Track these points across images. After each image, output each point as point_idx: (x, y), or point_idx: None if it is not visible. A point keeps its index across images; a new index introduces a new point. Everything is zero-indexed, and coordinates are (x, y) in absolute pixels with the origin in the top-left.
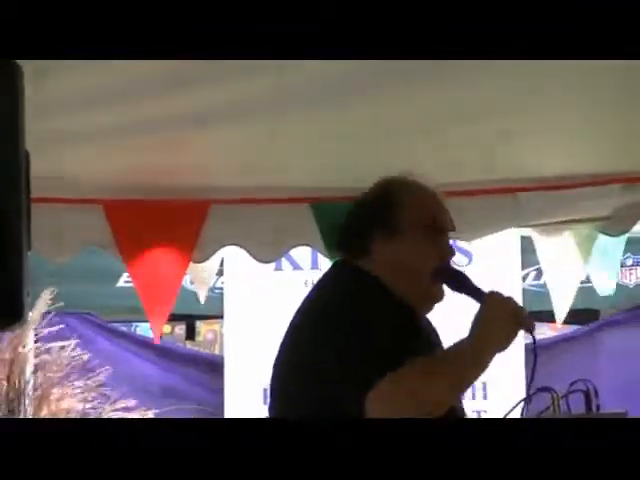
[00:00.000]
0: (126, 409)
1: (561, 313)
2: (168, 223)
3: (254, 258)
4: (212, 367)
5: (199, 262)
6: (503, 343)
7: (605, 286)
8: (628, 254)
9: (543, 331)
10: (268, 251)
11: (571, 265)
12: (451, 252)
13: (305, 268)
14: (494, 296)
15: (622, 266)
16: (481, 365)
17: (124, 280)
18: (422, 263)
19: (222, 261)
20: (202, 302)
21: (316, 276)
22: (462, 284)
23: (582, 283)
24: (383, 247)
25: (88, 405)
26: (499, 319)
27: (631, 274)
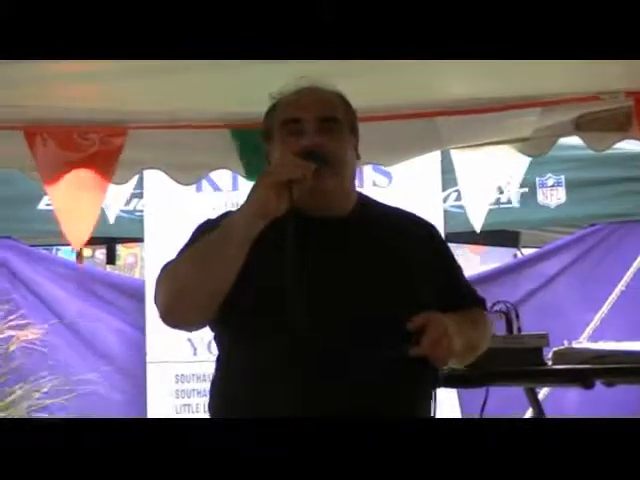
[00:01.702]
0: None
1: (476, 227)
2: (88, 148)
3: (174, 181)
4: (132, 292)
5: (119, 184)
6: (255, 201)
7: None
8: (549, 174)
9: (464, 252)
10: (188, 174)
11: (487, 184)
12: (312, 142)
13: (225, 190)
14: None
15: (543, 186)
16: (234, 231)
17: (45, 203)
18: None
19: (142, 183)
20: (111, 221)
21: (236, 198)
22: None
23: (502, 204)
24: (269, 157)
25: None
26: (258, 180)
27: (552, 195)
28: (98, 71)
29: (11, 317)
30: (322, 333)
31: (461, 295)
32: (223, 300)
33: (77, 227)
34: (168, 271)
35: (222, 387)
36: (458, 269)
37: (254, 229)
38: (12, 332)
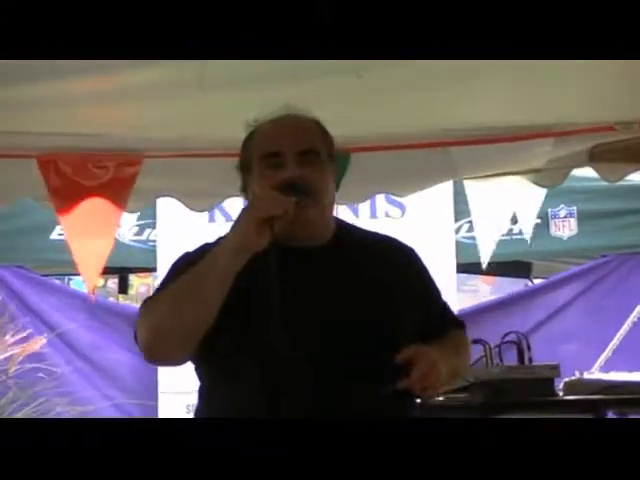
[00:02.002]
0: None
1: (485, 257)
2: (101, 176)
3: (188, 208)
4: None
5: (133, 212)
6: (237, 237)
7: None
8: (561, 205)
9: (475, 283)
10: (202, 201)
11: (500, 215)
12: (293, 175)
13: None
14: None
15: (555, 217)
16: (215, 267)
17: (58, 233)
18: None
19: (155, 214)
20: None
21: None
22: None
23: (514, 235)
24: (246, 191)
25: None
26: (240, 216)
27: (564, 226)
28: (112, 95)
29: (22, 344)
30: (305, 365)
31: (443, 319)
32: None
33: (90, 259)
34: (148, 307)
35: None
36: (437, 293)
37: (235, 264)
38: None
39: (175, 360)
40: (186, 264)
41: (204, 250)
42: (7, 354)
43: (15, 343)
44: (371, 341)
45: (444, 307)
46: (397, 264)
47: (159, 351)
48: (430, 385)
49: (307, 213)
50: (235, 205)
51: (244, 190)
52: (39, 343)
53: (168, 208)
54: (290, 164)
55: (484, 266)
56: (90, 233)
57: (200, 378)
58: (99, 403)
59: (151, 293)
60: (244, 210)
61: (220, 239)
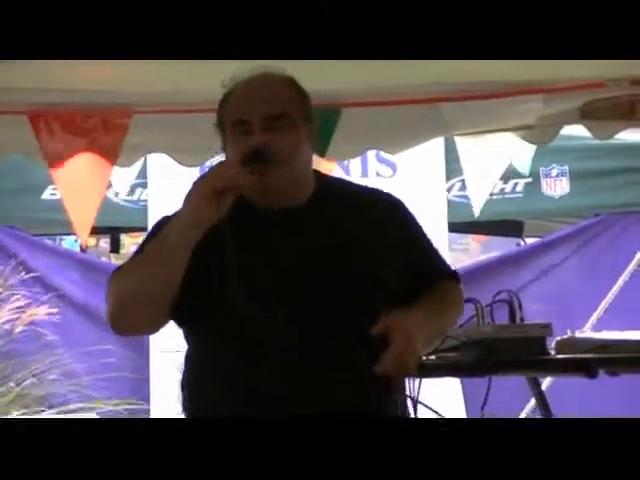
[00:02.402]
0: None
1: (477, 211)
2: (92, 131)
3: (178, 162)
4: None
5: (124, 167)
6: (186, 211)
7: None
8: (553, 165)
9: (466, 242)
10: (193, 157)
11: (491, 171)
12: (259, 141)
13: None
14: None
15: (547, 177)
16: (167, 241)
17: (49, 193)
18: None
19: (145, 173)
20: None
21: None
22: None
23: (506, 194)
24: (223, 151)
25: None
26: (190, 189)
27: (556, 185)
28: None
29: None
30: (282, 326)
31: (430, 270)
32: (176, 304)
33: (82, 211)
34: (114, 277)
35: (188, 379)
36: (425, 244)
37: (187, 238)
38: (16, 314)
39: (141, 330)
40: (159, 230)
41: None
42: (12, 317)
43: (18, 308)
44: (346, 298)
45: (433, 258)
46: (378, 217)
47: (121, 322)
48: (404, 363)
49: (273, 181)
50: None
51: (224, 149)
52: (44, 310)
53: (159, 167)
54: (257, 130)
55: (476, 215)
56: (81, 187)
57: (186, 342)
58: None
59: None
60: (194, 183)
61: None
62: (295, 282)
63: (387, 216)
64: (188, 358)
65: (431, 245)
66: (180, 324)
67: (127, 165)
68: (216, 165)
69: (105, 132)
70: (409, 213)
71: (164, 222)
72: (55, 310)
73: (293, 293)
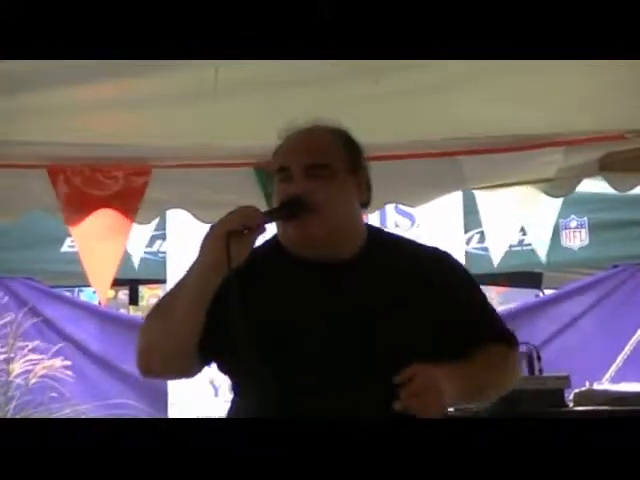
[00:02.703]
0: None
1: (495, 262)
2: (111, 187)
3: (197, 219)
4: None
5: (142, 224)
6: (202, 256)
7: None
8: (572, 216)
9: (486, 294)
10: (211, 212)
11: (511, 225)
12: (296, 190)
13: None
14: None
15: (566, 228)
16: (185, 286)
17: (68, 245)
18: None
19: (164, 225)
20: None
21: (260, 237)
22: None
23: (525, 245)
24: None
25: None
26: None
27: (575, 236)
28: (121, 103)
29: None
30: (313, 378)
31: (477, 331)
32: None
33: (101, 269)
34: (145, 322)
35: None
36: (476, 304)
37: (203, 282)
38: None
39: (164, 375)
40: None
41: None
42: (26, 368)
43: (33, 358)
44: (372, 361)
45: (485, 319)
46: (425, 277)
47: (146, 366)
48: (427, 402)
49: (312, 230)
50: None
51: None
52: (59, 362)
53: (178, 219)
54: (296, 179)
55: (495, 264)
56: (100, 244)
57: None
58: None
59: None
60: (210, 227)
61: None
62: (322, 337)
63: (435, 274)
64: (231, 405)
65: (484, 306)
66: (225, 372)
67: (146, 222)
68: (235, 210)
69: (124, 188)
70: (460, 272)
71: None
72: (69, 363)
73: (318, 346)
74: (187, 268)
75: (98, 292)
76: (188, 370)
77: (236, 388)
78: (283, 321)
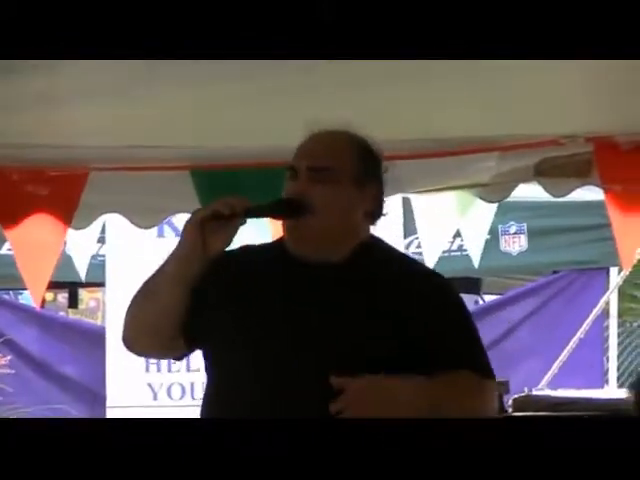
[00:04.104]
0: None
1: (430, 264)
2: (47, 190)
3: (134, 224)
4: (94, 337)
5: (79, 229)
6: (179, 242)
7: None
8: (511, 222)
9: None
10: (148, 218)
11: (445, 229)
12: (296, 190)
13: None
14: None
15: (505, 234)
16: (162, 272)
17: (7, 248)
18: None
19: (104, 228)
20: (82, 277)
21: None
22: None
23: (464, 251)
24: None
25: None
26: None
27: (514, 242)
28: (56, 100)
29: None
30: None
31: (452, 357)
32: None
33: (37, 272)
34: (129, 304)
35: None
36: (457, 330)
37: (182, 268)
38: None
39: (148, 352)
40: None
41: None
42: None
43: None
44: (327, 364)
45: (458, 347)
46: (411, 293)
47: (131, 341)
48: (356, 412)
49: (309, 230)
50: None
51: None
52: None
53: (117, 223)
54: (300, 179)
55: None
56: (36, 248)
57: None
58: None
59: (100, 307)
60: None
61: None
62: (296, 333)
63: (422, 293)
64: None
65: (468, 339)
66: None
67: (83, 227)
68: (221, 198)
69: (61, 191)
70: (457, 303)
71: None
72: (7, 360)
73: (290, 341)
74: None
75: (34, 298)
76: (172, 350)
77: (211, 373)
78: (252, 311)
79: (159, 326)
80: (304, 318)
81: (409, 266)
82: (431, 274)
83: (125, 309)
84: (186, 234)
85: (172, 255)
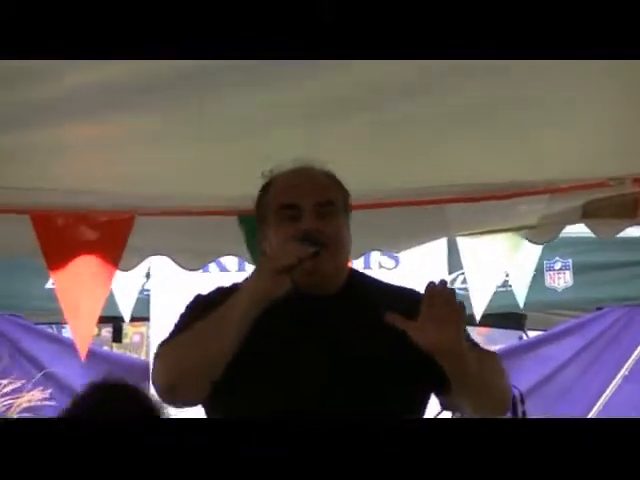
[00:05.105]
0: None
1: (478, 313)
2: (94, 234)
3: (180, 266)
4: (138, 372)
5: (125, 271)
6: (255, 286)
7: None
8: (557, 258)
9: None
10: (194, 260)
11: (493, 269)
12: (310, 226)
13: (232, 270)
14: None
15: (550, 270)
16: (233, 313)
17: (51, 282)
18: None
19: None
20: (127, 318)
21: (242, 278)
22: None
23: (509, 287)
24: (262, 241)
25: None
26: (258, 266)
27: (559, 278)
28: (104, 148)
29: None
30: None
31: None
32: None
33: (82, 323)
34: (166, 350)
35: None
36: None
37: (252, 311)
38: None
39: (192, 399)
40: (203, 305)
41: (219, 292)
42: (5, 402)
43: (13, 391)
44: (361, 386)
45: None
46: (408, 306)
47: (180, 390)
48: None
49: (324, 265)
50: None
51: (261, 241)
52: (40, 395)
53: (162, 259)
54: (307, 216)
55: (477, 319)
56: (82, 292)
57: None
58: None
59: (144, 342)
60: (262, 261)
61: (235, 284)
62: (319, 365)
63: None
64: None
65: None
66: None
67: (129, 269)
68: (280, 244)
69: (107, 236)
70: None
71: (203, 298)
72: (47, 393)
73: (316, 372)
74: (228, 301)
75: (80, 351)
76: (204, 396)
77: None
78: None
79: (212, 370)
80: (314, 349)
81: (393, 287)
82: (415, 290)
83: (164, 359)
84: (269, 279)
85: (246, 300)
